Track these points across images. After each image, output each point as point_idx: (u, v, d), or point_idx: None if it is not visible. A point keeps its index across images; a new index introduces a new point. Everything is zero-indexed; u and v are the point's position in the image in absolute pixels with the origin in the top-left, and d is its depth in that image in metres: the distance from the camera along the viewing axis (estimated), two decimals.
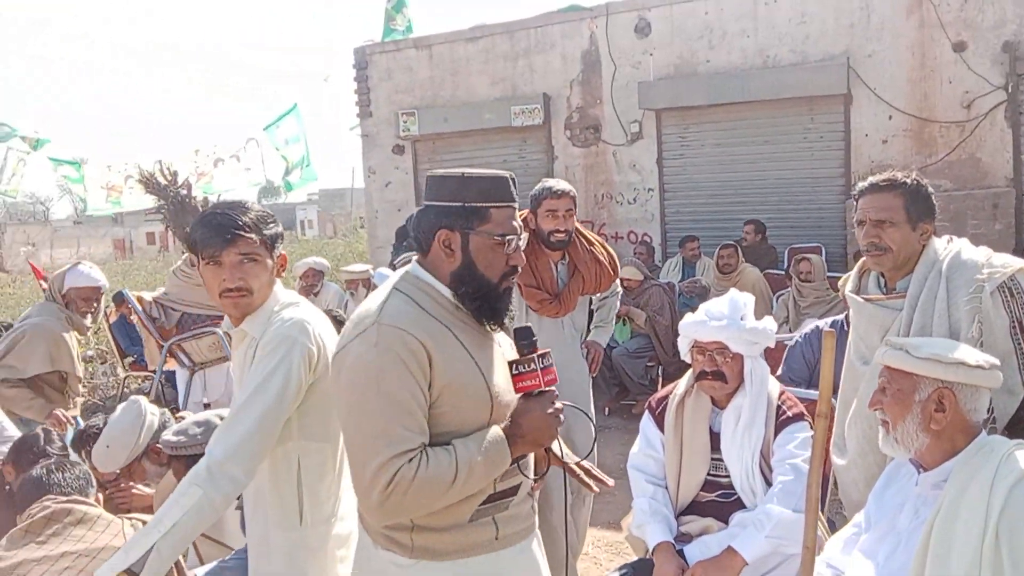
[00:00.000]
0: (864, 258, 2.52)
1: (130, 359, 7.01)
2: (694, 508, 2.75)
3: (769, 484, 2.62)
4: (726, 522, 2.66)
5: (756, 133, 8.90)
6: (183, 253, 5.90)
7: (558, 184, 3.48)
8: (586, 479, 2.01)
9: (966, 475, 1.93)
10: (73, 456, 3.11)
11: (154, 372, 5.87)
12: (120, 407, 3.17)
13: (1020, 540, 1.80)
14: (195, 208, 14.30)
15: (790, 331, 5.59)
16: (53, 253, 32.36)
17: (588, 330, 3.93)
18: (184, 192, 14.65)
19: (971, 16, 7.89)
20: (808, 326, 4.18)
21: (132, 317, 5.77)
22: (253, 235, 2.09)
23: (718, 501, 2.71)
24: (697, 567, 2.48)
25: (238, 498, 2.30)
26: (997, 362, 2.04)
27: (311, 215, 47.90)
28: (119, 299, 6.52)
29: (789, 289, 6.84)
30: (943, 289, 2.32)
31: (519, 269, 1.82)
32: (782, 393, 2.74)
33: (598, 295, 3.84)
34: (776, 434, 2.64)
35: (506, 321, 1.84)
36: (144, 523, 2.17)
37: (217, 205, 2.20)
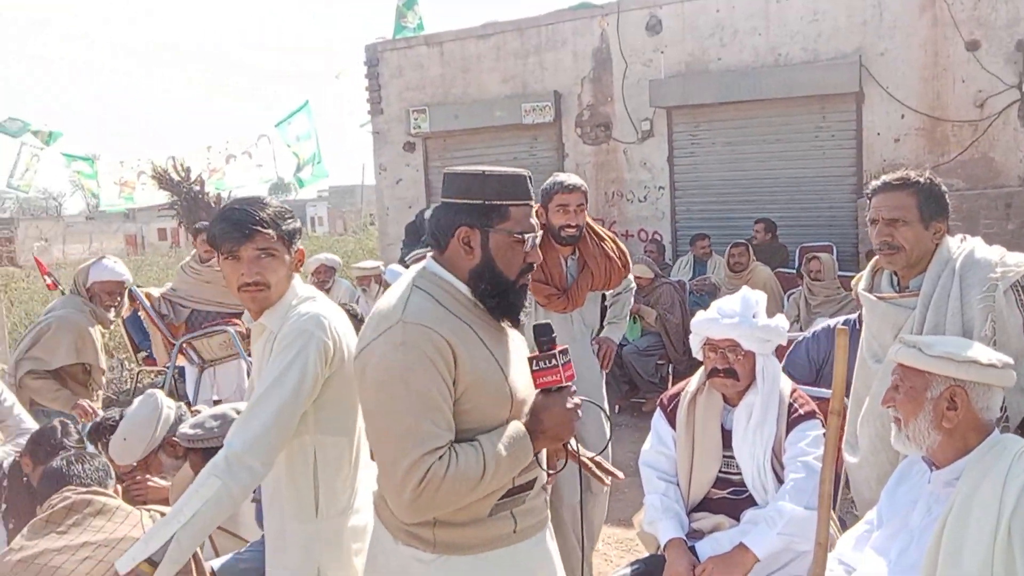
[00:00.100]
0: (877, 256, 2.53)
1: (143, 354, 7.07)
2: (706, 505, 2.76)
3: (781, 481, 2.63)
4: (738, 519, 2.67)
5: (767, 131, 8.86)
6: (193, 249, 5.93)
7: (569, 179, 3.45)
8: (598, 472, 2.05)
9: (978, 473, 1.94)
10: (90, 448, 3.15)
11: (166, 367, 5.93)
12: (137, 400, 3.20)
13: None
14: (207, 204, 14.40)
15: (800, 330, 5.58)
16: (65, 248, 32.52)
17: (601, 326, 3.92)
18: (197, 188, 14.75)
19: (984, 14, 7.84)
20: (819, 325, 4.17)
21: (140, 312, 5.80)
22: (271, 230, 2.13)
23: (730, 498, 2.72)
24: (709, 563, 2.49)
25: (254, 491, 2.33)
26: (1010, 361, 2.05)
27: (321, 212, 48.00)
28: (129, 295, 6.56)
29: (800, 288, 6.84)
30: (956, 288, 2.33)
31: (535, 266, 1.83)
32: (794, 391, 2.75)
33: (611, 291, 3.83)
34: (788, 432, 2.65)
35: (522, 318, 1.86)
36: (162, 514, 2.20)
37: (235, 201, 2.23)
